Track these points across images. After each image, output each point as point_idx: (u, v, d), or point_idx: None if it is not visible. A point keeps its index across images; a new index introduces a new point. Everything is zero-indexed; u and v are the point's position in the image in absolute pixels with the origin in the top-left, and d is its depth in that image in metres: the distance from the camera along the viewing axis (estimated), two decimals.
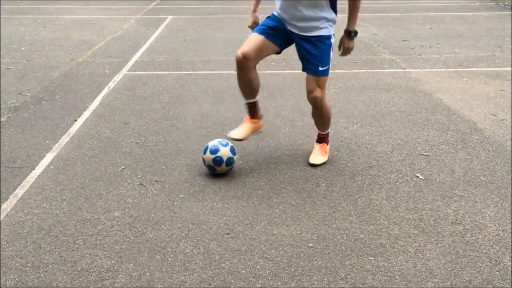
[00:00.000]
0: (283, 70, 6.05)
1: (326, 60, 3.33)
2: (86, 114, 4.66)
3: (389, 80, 5.71)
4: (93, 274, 2.47)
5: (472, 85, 5.51)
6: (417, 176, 3.46)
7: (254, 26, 3.52)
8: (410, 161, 3.68)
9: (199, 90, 5.39)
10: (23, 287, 2.40)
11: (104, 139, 4.11)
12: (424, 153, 3.82)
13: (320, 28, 3.28)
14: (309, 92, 3.38)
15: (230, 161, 3.43)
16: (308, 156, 3.72)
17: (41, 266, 2.54)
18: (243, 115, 3.74)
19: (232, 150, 3.45)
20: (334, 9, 3.31)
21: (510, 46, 7.38)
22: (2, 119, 4.53)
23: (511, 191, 3.25)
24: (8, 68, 6.28)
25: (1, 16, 10.17)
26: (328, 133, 3.71)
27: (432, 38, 8.00)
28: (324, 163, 3.63)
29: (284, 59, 6.35)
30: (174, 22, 9.68)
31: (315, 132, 3.79)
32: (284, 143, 4.01)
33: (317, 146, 3.71)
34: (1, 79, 5.77)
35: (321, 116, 3.55)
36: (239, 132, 3.56)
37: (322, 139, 3.71)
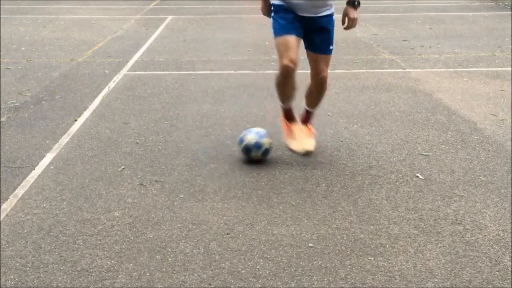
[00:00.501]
0: None
1: (333, 39, 3.46)
2: (86, 114, 4.66)
3: (389, 80, 5.71)
4: (93, 274, 2.47)
5: (472, 85, 5.51)
6: (417, 176, 3.46)
7: (267, 10, 3.54)
8: (410, 161, 3.68)
9: (199, 90, 5.39)
10: (23, 287, 2.40)
11: (104, 139, 4.11)
12: (424, 153, 3.82)
13: (327, 9, 3.37)
14: (319, 72, 3.46)
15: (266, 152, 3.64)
16: (309, 156, 3.71)
17: (41, 266, 2.54)
18: (284, 126, 3.78)
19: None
20: None
21: (510, 46, 7.38)
22: (2, 119, 4.53)
23: (511, 191, 3.25)
24: (8, 68, 6.28)
25: (1, 16, 10.18)
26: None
27: (432, 38, 8.00)
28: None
29: None
30: (174, 22, 9.68)
31: (315, 131, 3.79)
32: (284, 143, 4.01)
33: (304, 129, 3.70)
34: (1, 79, 5.77)
35: (322, 94, 3.63)
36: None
37: (309, 116, 3.77)
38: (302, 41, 3.44)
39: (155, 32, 8.70)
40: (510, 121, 4.44)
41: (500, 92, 5.27)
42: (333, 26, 3.44)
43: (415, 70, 6.15)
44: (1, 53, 7.08)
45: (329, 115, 4.61)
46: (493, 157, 3.74)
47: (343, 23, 3.41)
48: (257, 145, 3.57)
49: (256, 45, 6.47)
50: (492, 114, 4.61)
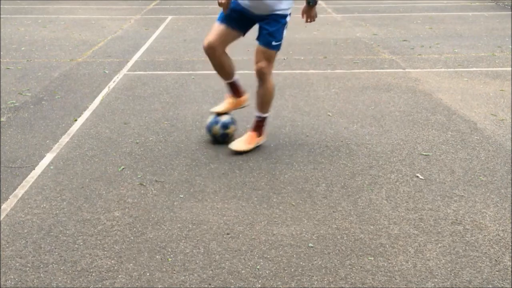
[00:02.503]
0: (283, 70, 6.05)
1: (279, 36, 3.57)
2: (86, 114, 4.66)
3: (389, 80, 5.71)
4: (93, 274, 2.47)
5: (472, 85, 5.51)
6: (417, 176, 3.46)
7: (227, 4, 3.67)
8: (410, 161, 3.69)
9: (199, 90, 5.39)
10: (23, 287, 2.40)
11: (104, 139, 4.11)
12: (424, 153, 3.82)
13: (278, 11, 3.52)
14: (256, 62, 3.63)
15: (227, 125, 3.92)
16: (309, 156, 3.73)
17: (41, 266, 2.54)
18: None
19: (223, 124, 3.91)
20: None
21: (510, 46, 7.38)
22: (2, 119, 4.53)
23: (511, 191, 3.25)
24: (8, 68, 6.28)
25: (1, 16, 10.18)
26: (265, 118, 3.86)
27: (432, 38, 8.01)
28: (245, 152, 3.79)
29: (284, 59, 6.35)
30: (174, 22, 9.68)
31: (315, 131, 3.80)
32: (284, 143, 4.01)
33: (247, 134, 3.89)
34: (1, 79, 5.77)
35: (264, 93, 3.72)
36: (219, 106, 3.95)
37: (258, 123, 3.86)
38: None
39: (155, 32, 8.71)
40: (510, 121, 4.44)
41: (500, 92, 5.27)
42: (282, 25, 3.55)
43: (415, 70, 6.15)
44: (1, 53, 7.08)
45: (329, 115, 4.61)
46: (493, 157, 3.74)
47: (302, 16, 3.68)
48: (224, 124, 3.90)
49: (255, 45, 6.47)
50: (492, 114, 4.61)
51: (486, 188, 3.29)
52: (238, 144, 3.79)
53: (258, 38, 3.63)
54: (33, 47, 7.50)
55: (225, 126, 3.89)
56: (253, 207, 3.08)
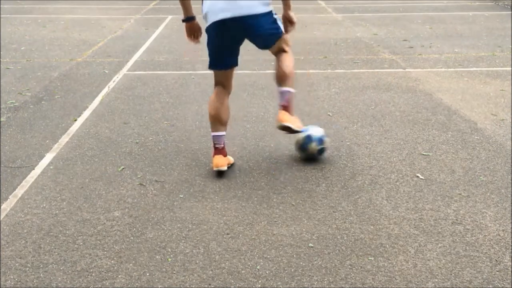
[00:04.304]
0: None
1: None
2: (86, 114, 4.66)
3: (389, 80, 5.71)
4: (93, 274, 2.47)
5: (472, 85, 5.51)
6: (417, 176, 3.46)
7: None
8: (410, 161, 3.68)
9: (199, 90, 5.39)
10: (23, 287, 2.40)
11: (104, 139, 4.11)
12: (424, 153, 3.82)
13: (256, 8, 3.20)
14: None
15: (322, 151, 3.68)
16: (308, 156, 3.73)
17: (41, 266, 2.54)
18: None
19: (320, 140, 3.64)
20: None
21: (510, 46, 7.37)
22: (2, 119, 4.53)
23: (511, 191, 3.25)
24: (8, 68, 6.28)
25: (1, 16, 10.18)
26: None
27: (432, 38, 8.00)
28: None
29: None
30: (174, 22, 9.68)
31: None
32: (284, 143, 4.01)
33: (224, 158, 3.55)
34: (1, 79, 5.77)
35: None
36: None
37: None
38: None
39: (155, 32, 8.71)
40: (510, 121, 4.44)
41: (500, 92, 5.27)
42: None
43: (415, 70, 6.15)
44: (1, 53, 7.08)
45: (329, 115, 4.61)
46: (493, 157, 3.74)
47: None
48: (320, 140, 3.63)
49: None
50: (492, 114, 4.60)
51: (487, 188, 3.29)
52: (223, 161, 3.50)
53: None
54: (33, 47, 7.50)
55: (321, 141, 3.62)
56: (253, 207, 3.08)
